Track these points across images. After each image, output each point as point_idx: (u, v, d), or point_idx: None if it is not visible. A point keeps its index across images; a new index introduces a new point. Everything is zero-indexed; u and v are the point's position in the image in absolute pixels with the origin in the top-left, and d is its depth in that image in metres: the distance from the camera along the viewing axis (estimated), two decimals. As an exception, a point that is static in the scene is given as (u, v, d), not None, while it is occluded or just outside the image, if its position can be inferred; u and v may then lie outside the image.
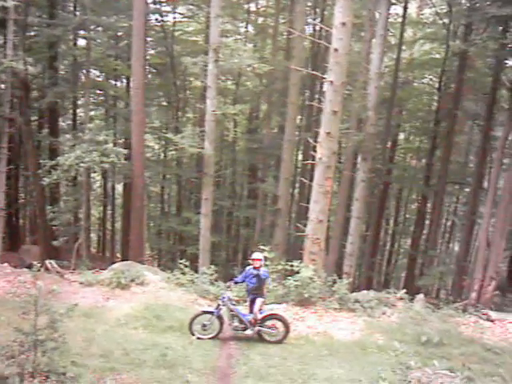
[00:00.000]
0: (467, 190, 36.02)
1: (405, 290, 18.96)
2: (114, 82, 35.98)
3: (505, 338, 16.01)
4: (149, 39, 31.59)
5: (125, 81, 34.34)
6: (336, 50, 17.17)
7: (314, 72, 24.84)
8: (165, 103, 37.48)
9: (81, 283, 16.81)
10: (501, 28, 23.22)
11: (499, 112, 29.52)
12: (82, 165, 21.13)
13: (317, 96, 32.93)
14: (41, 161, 24.05)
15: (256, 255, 13.77)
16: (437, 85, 33.78)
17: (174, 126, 32.77)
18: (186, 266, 17.75)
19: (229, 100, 32.88)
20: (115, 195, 40.71)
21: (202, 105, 26.26)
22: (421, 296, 18.31)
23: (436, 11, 33.08)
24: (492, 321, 17.41)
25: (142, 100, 24.13)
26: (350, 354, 13.52)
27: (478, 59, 29.59)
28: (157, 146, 39.94)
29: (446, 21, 30.67)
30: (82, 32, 28.17)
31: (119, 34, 31.51)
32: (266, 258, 16.66)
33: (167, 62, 33.64)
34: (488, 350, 14.74)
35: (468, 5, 26.63)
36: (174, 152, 30.34)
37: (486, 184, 32.12)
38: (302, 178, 27.73)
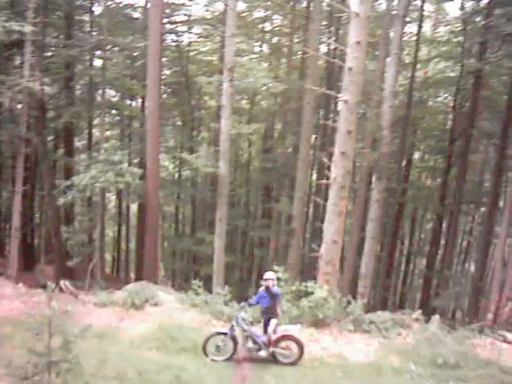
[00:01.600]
0: (483, 209, 35.81)
1: (420, 311, 18.77)
2: (129, 102, 36.23)
3: (522, 360, 15.80)
4: (164, 59, 31.78)
5: (140, 100, 34.54)
6: (350, 68, 17.17)
7: (328, 91, 24.83)
8: (180, 123, 37.67)
9: (95, 304, 16.83)
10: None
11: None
12: (96, 185, 21.19)
13: (331, 115, 32.93)
14: (56, 181, 24.22)
15: (268, 275, 13.72)
16: (451, 103, 33.77)
17: (188, 146, 32.91)
18: (199, 287, 17.70)
19: (243, 119, 32.94)
20: (130, 215, 40.80)
21: (216, 124, 26.27)
22: (436, 317, 18.10)
23: (450, 29, 33.13)
24: (509, 342, 17.17)
25: (157, 120, 24.18)
26: (365, 376, 13.37)
27: (493, 77, 29.54)
28: (171, 166, 40.10)
29: (461, 39, 30.70)
30: (98, 52, 28.46)
31: (135, 53, 31.77)
32: (279, 279, 16.64)
33: (182, 81, 33.83)
34: (505, 372, 14.50)
35: (483, 23, 26.65)
36: (188, 172, 30.40)
37: (501, 203, 31.88)
38: (317, 198, 27.68)
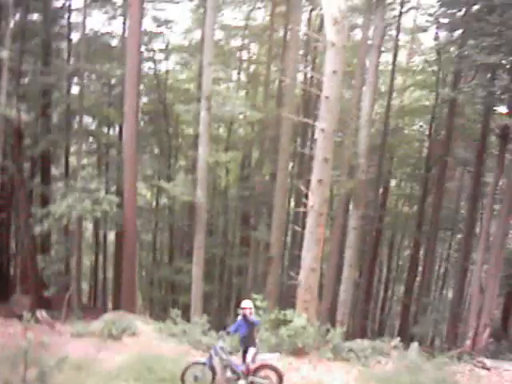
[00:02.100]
0: (459, 235, 36.09)
1: (399, 338, 18.77)
2: (106, 130, 36.16)
3: (500, 387, 15.84)
4: (142, 87, 31.85)
5: (117, 128, 34.48)
6: (327, 97, 17.28)
7: (305, 119, 25.02)
8: (157, 151, 37.64)
9: (72, 334, 16.64)
10: (489, 75, 23.52)
11: (489, 158, 29.78)
12: (73, 213, 21.05)
13: (308, 143, 33.12)
14: (32, 209, 23.99)
15: (245, 303, 13.60)
16: (427, 131, 34.16)
17: (166, 174, 32.84)
18: (177, 316, 17.56)
19: (221, 147, 33.01)
20: (107, 243, 40.48)
21: (194, 152, 26.31)
22: (415, 344, 18.11)
23: (425, 59, 33.63)
24: (487, 369, 17.20)
25: (134, 148, 24.12)
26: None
27: (468, 106, 29.95)
28: (149, 194, 39.97)
29: (435, 68, 31.18)
30: (75, 79, 28.45)
31: (112, 81, 31.81)
32: (258, 307, 16.57)
33: (160, 109, 33.89)
34: (484, 399, 14.57)
35: (456, 53, 27.06)
36: (166, 200, 30.32)
37: (477, 230, 32.16)
38: (295, 226, 27.71)
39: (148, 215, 35.27)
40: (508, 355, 22.32)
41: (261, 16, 36.34)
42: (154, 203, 37.87)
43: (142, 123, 35.40)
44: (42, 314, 17.91)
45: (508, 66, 21.76)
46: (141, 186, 35.45)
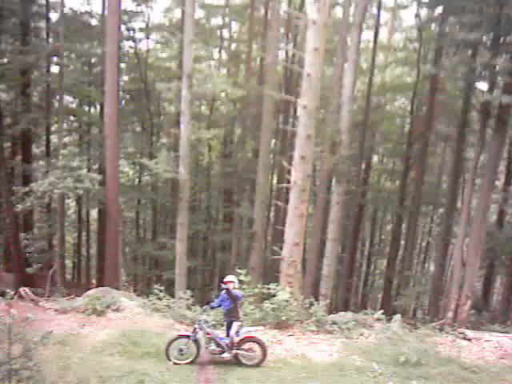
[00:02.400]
0: (441, 210, 36.37)
1: (382, 311, 18.97)
2: (87, 108, 35.94)
3: (482, 357, 16.05)
4: (122, 65, 31.68)
5: (98, 107, 34.29)
6: (309, 74, 17.31)
7: (287, 96, 25.01)
8: (139, 129, 37.50)
9: (56, 310, 16.62)
10: (470, 52, 23.58)
11: (470, 134, 29.96)
12: (55, 191, 21.04)
13: (291, 120, 33.11)
14: (14, 187, 23.88)
15: (228, 278, 13.72)
16: (409, 108, 34.28)
17: (148, 152, 32.76)
18: (161, 291, 17.59)
19: (203, 125, 32.95)
20: (90, 221, 40.40)
21: (176, 130, 26.25)
22: (398, 316, 18.32)
23: (406, 36, 33.67)
24: (469, 339, 17.46)
25: (116, 126, 24.01)
26: (328, 377, 13.40)
27: (449, 82, 30.03)
28: (131, 172, 39.87)
29: (417, 45, 31.20)
30: (54, 58, 28.20)
31: (93, 60, 31.58)
32: (242, 282, 16.67)
33: (141, 87, 33.71)
34: (465, 368, 14.75)
35: (438, 30, 27.11)
36: (148, 177, 30.28)
37: (459, 204, 32.43)
38: (278, 202, 27.77)
39: (131, 192, 35.18)
40: (489, 326, 22.67)
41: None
42: (137, 181, 37.79)
43: (123, 102, 35.24)
44: (25, 290, 17.90)
45: (488, 43, 21.80)
46: (123, 164, 35.37)
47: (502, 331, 19.98)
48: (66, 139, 34.84)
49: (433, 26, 29.54)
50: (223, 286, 13.68)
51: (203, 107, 36.99)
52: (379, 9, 31.72)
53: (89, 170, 27.02)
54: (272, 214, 36.61)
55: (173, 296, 19.25)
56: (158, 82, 28.35)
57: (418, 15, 31.15)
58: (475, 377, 14.22)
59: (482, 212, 22.40)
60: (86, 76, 32.51)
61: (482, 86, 25.03)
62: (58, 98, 28.41)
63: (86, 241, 41.49)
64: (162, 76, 34.26)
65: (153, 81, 32.86)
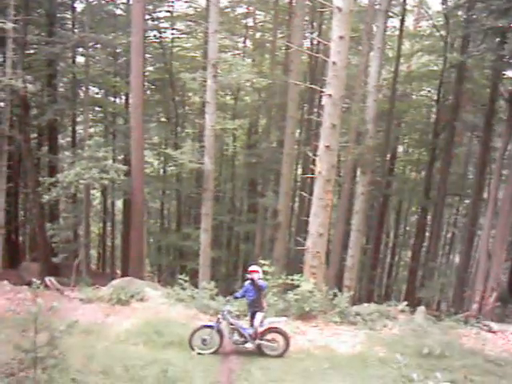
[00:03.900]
0: (467, 201, 36.09)
1: (406, 303, 18.95)
2: (113, 99, 36.13)
3: (507, 349, 15.93)
4: (147, 56, 31.74)
5: (124, 97, 34.45)
6: (334, 63, 17.21)
7: (312, 86, 24.93)
8: (164, 119, 37.62)
9: (81, 300, 16.77)
10: (498, 39, 23.27)
11: (498, 123, 29.60)
12: (81, 181, 21.14)
13: (315, 110, 33.00)
14: (40, 178, 24.11)
15: (253, 267, 13.74)
16: (435, 97, 33.95)
17: (173, 142, 32.86)
18: (185, 282, 17.68)
19: (228, 115, 32.96)
20: (115, 211, 40.67)
21: (201, 120, 26.22)
22: (422, 308, 18.26)
23: (433, 23, 33.27)
24: (493, 332, 17.34)
25: (141, 116, 24.10)
26: (351, 368, 13.40)
27: (476, 71, 29.68)
28: (156, 162, 40.04)
29: (444, 33, 30.82)
30: (80, 49, 28.38)
31: (118, 50, 31.69)
32: (266, 272, 16.68)
33: (166, 77, 33.79)
34: (490, 361, 14.65)
35: (465, 17, 26.77)
36: (173, 168, 30.35)
37: (485, 195, 32.14)
38: (302, 192, 27.76)
39: (155, 183, 35.33)
40: (514, 317, 22.52)
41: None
42: (162, 171, 37.94)
43: (148, 92, 35.34)
44: (51, 280, 18.07)
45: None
46: (148, 154, 35.50)
47: (529, 323, 19.84)
48: (92, 130, 35.05)
49: (460, 12, 29.11)
50: (247, 275, 13.72)
51: (228, 97, 36.95)
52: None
53: (114, 161, 27.08)
54: (296, 205, 36.56)
55: (197, 286, 19.32)
56: (182, 72, 28.34)
57: (444, 2, 30.73)
58: (500, 370, 14.11)
59: (508, 203, 22.15)
60: (112, 66, 32.68)
61: (511, 73, 24.77)
62: (83, 88, 28.56)
63: (111, 231, 41.80)
64: (186, 66, 34.26)
65: (178, 71, 32.84)
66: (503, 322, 19.82)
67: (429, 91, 37.89)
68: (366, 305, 18.27)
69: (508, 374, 13.77)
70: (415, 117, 37.74)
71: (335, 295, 17.46)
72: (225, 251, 34.69)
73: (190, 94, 36.93)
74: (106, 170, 21.50)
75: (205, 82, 22.66)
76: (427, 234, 34.97)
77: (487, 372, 13.76)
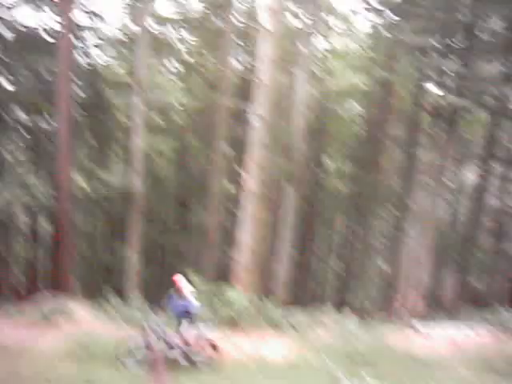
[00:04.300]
0: (394, 210, 36.89)
1: (334, 308, 19.22)
2: (40, 122, 35.54)
3: (433, 350, 16.34)
4: (76, 80, 31.50)
5: (51, 121, 33.96)
6: (262, 81, 17.59)
7: (242, 105, 25.23)
8: (93, 141, 37.24)
9: (5, 319, 16.42)
10: (421, 56, 24.05)
11: (421, 135, 30.47)
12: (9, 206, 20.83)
13: (246, 128, 33.28)
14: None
15: (178, 278, 13.80)
16: (361, 112, 34.69)
17: (102, 165, 32.58)
18: (113, 296, 17.54)
19: (158, 136, 32.91)
20: (43, 234, 39.77)
21: (130, 142, 26.19)
22: (350, 311, 18.57)
23: (359, 43, 34.16)
24: (419, 332, 17.80)
25: (69, 139, 23.94)
26: (282, 374, 13.47)
27: (401, 87, 30.56)
28: (86, 185, 39.49)
29: (370, 51, 31.65)
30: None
31: (45, 75, 31.36)
32: (193, 282, 16.76)
33: (95, 100, 33.54)
34: (418, 362, 15.03)
35: (391, 36, 27.59)
36: (103, 190, 30.09)
37: (411, 204, 32.93)
38: (233, 208, 27.93)
39: (85, 205, 34.91)
40: (439, 319, 23.06)
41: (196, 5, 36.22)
42: (91, 194, 37.49)
43: (77, 115, 34.99)
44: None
45: (440, 47, 22.35)
46: (77, 177, 35.08)
47: (452, 323, 20.39)
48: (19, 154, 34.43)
49: (385, 32, 29.96)
50: (174, 287, 13.77)
51: (157, 118, 36.91)
52: (332, 16, 32.13)
53: (42, 184, 26.67)
54: (228, 221, 36.69)
55: (124, 300, 19.15)
56: (112, 94, 28.29)
57: (371, 22, 31.60)
58: (427, 370, 14.47)
59: (432, 210, 22.82)
60: (38, 90, 32.29)
61: (433, 88, 25.61)
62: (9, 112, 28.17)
63: (37, 252, 40.81)
64: (116, 88, 34.12)
65: (107, 93, 32.69)
66: (428, 322, 20.32)
67: (355, 107, 38.68)
68: (293, 310, 18.45)
69: (436, 374, 14.11)
70: (342, 131, 38.43)
71: (264, 303, 17.62)
72: (157, 269, 34.51)
73: (120, 116, 36.75)
74: (33, 194, 21.24)
75: (134, 103, 22.71)
76: (354, 241, 35.64)
77: (414, 372, 14.08)
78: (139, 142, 22.34)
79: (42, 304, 16.92)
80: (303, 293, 36.71)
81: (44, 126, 33.56)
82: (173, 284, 13.75)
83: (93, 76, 33.22)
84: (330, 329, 17.02)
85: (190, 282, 15.17)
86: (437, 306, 30.79)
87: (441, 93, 23.05)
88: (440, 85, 23.47)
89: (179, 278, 13.82)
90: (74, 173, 26.72)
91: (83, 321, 16.30)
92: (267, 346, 15.55)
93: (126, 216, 29.81)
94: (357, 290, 30.21)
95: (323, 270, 43.91)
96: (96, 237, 38.54)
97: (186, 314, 13.57)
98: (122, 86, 33.72)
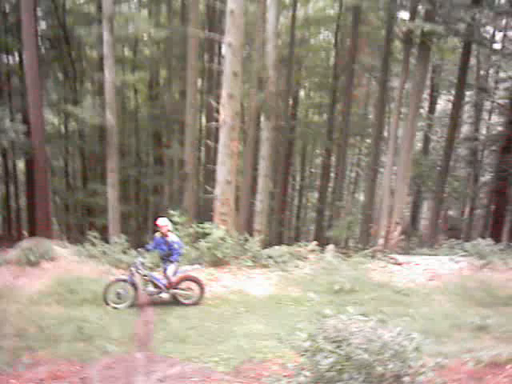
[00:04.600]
0: (368, 140, 37.06)
1: (315, 242, 19.44)
2: (5, 58, 34.62)
3: (412, 280, 16.72)
4: (39, 12, 30.55)
5: (17, 56, 33.08)
6: (232, 11, 17.22)
7: (211, 34, 24.72)
8: (61, 76, 36.46)
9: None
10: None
11: (394, 63, 30.36)
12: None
13: (216, 59, 32.82)
14: None
15: (160, 221, 13.76)
16: (333, 40, 34.33)
17: (72, 99, 31.97)
18: (95, 238, 17.49)
19: (127, 68, 32.32)
20: (17, 172, 39.39)
21: (100, 75, 25.64)
22: (331, 246, 18.83)
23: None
24: (399, 264, 18.13)
25: (37, 74, 23.34)
26: (266, 309, 13.74)
27: (371, 13, 30.18)
28: (57, 120, 38.90)
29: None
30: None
31: (7, 9, 30.41)
32: (176, 223, 16.78)
33: (61, 34, 32.64)
34: (398, 292, 15.40)
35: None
36: (75, 125, 29.67)
37: (386, 134, 33.08)
38: (208, 141, 27.76)
39: (57, 141, 34.43)
40: (418, 250, 23.52)
41: None
42: (63, 129, 36.93)
43: (42, 49, 34.09)
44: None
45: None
46: (48, 113, 34.46)
47: (431, 254, 20.81)
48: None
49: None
50: (157, 231, 13.79)
51: (126, 50, 36.16)
52: None
53: (12, 121, 26.17)
54: (203, 154, 36.53)
55: (107, 242, 19.14)
56: (77, 27, 27.50)
57: None
58: (407, 299, 14.86)
59: (408, 140, 22.89)
60: (2, 25, 31.31)
61: (404, 15, 25.27)
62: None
63: (15, 193, 40.54)
64: (81, 20, 33.18)
65: (72, 26, 31.79)
66: (408, 254, 20.70)
67: (327, 35, 38.30)
68: (277, 247, 18.60)
69: (414, 303, 14.52)
70: (315, 61, 38.10)
71: (246, 240, 17.79)
72: (134, 205, 34.42)
73: (88, 49, 35.91)
74: (3, 130, 20.82)
75: (101, 35, 22.14)
76: (332, 174, 35.83)
77: (395, 302, 14.46)
78: (110, 75, 21.79)
79: (26, 248, 16.78)
80: (285, 229, 37.16)
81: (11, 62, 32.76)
82: (157, 227, 13.71)
83: (58, 9, 32.24)
84: (313, 263, 17.27)
85: (172, 222, 15.19)
86: (414, 235, 31.40)
87: (412, 19, 22.67)
88: (411, 11, 23.08)
89: (163, 221, 13.78)
90: (44, 109, 26.24)
91: (67, 263, 16.25)
92: (251, 282, 15.78)
93: (101, 152, 29.57)
94: (337, 223, 30.49)
95: (303, 205, 44.43)
96: (70, 174, 38.21)
97: (170, 256, 13.59)
98: (88, 18, 32.89)
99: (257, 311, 13.55)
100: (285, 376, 7.03)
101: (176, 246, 13.57)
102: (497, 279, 16.45)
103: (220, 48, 30.29)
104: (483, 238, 20.15)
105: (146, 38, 30.72)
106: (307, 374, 6.44)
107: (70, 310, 12.95)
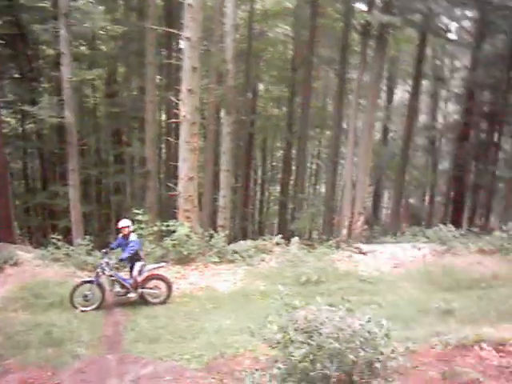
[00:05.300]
0: (328, 132, 37.30)
1: (279, 235, 19.54)
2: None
3: (377, 268, 16.96)
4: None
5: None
6: (190, 5, 17.15)
7: (169, 29, 24.59)
8: (17, 75, 35.86)
9: None
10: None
11: (352, 56, 30.57)
12: None
13: (174, 54, 32.62)
14: None
15: (121, 223, 13.72)
16: (291, 33, 34.39)
17: (29, 98, 31.48)
18: (59, 240, 17.23)
19: (85, 65, 31.90)
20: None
21: (57, 73, 25.31)
22: (295, 239, 18.91)
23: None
24: (364, 253, 18.37)
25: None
26: (235, 304, 13.82)
27: (329, 6, 30.32)
28: (13, 121, 38.27)
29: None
30: None
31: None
32: (139, 222, 16.72)
33: (15, 31, 32.07)
34: (363, 281, 15.62)
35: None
36: (32, 125, 29.21)
37: (345, 125, 33.33)
38: (168, 138, 27.65)
39: (15, 142, 33.83)
40: (381, 239, 23.83)
41: None
42: (21, 129, 36.34)
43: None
44: None
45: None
46: (4, 113, 33.92)
47: (394, 242, 21.13)
48: None
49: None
50: (119, 233, 13.73)
51: (83, 47, 35.68)
52: None
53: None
54: (164, 151, 36.35)
55: (71, 244, 18.91)
56: (33, 24, 27.08)
57: None
58: (373, 287, 15.10)
59: (367, 131, 23.15)
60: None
61: (362, 6, 25.47)
62: None
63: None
64: (36, 17, 32.64)
65: (27, 23, 31.26)
66: (371, 243, 20.97)
67: (285, 29, 38.32)
68: (242, 242, 18.69)
69: (380, 290, 14.75)
70: (273, 54, 38.11)
71: (211, 236, 17.81)
72: (96, 205, 34.04)
73: (44, 47, 35.37)
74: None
75: (57, 32, 21.87)
76: (293, 167, 35.99)
77: (362, 291, 14.70)
78: (66, 72, 21.56)
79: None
80: (248, 223, 37.20)
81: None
82: (120, 229, 13.65)
83: (12, 5, 31.66)
84: (279, 256, 17.36)
85: (136, 221, 15.12)
86: (377, 224, 31.72)
87: (369, 11, 22.86)
88: (368, 3, 23.28)
89: (124, 223, 13.70)
90: (0, 110, 25.81)
91: (31, 267, 16.00)
92: (218, 278, 15.82)
93: (60, 152, 29.18)
94: (300, 215, 30.69)
95: (266, 199, 44.54)
96: (29, 176, 37.62)
97: (135, 256, 13.53)
98: (44, 14, 32.40)
99: (226, 307, 13.62)
100: (258, 369, 7.06)
101: (132, 244, 13.47)
102: (459, 264, 16.83)
103: (178, 43, 30.11)
104: (444, 224, 20.48)
105: (103, 34, 30.33)
106: (280, 365, 6.50)
107: (38, 315, 12.81)
